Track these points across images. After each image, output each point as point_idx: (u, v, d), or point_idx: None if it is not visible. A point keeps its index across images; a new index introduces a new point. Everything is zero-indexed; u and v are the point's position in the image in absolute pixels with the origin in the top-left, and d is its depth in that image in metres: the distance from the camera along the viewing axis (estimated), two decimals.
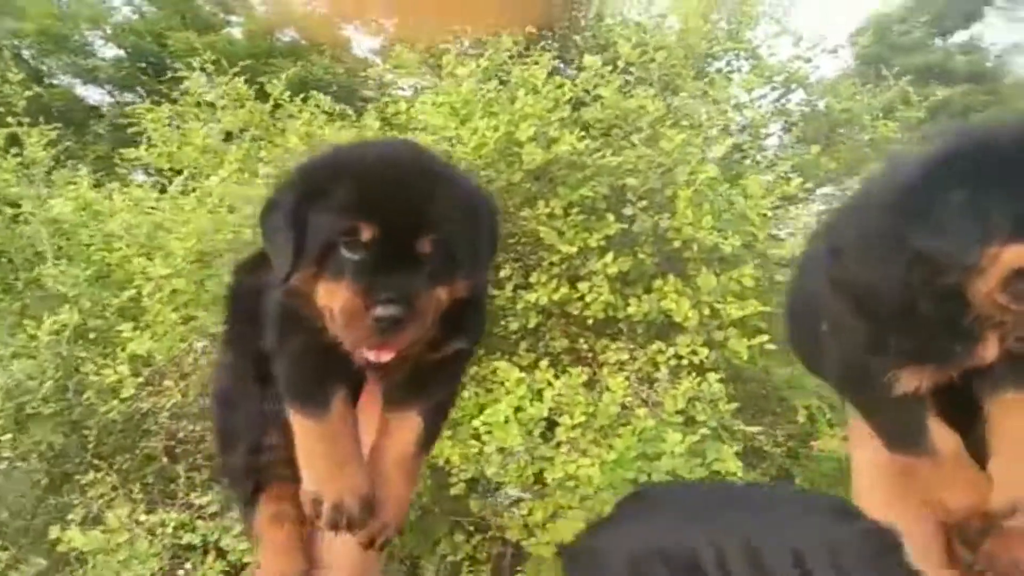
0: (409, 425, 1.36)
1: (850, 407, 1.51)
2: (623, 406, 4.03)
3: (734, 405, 3.89)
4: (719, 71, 7.10)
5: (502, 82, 5.19)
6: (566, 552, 1.03)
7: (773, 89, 7.09)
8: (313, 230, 1.21)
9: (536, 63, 5.18)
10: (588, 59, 5.04)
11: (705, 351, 4.11)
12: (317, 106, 5.99)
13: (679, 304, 4.20)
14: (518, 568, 5.01)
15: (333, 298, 1.20)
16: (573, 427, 3.89)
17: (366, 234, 1.16)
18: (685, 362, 4.12)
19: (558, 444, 3.92)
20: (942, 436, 1.33)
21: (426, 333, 1.24)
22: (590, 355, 4.53)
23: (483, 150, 4.23)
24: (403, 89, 8.35)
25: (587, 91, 5.02)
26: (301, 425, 1.28)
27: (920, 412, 1.33)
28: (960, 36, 22.34)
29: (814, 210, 6.91)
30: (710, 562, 0.74)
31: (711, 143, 4.63)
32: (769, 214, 4.47)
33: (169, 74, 7.02)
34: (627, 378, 4.07)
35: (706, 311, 4.32)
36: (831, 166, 6.82)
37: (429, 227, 1.20)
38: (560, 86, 4.92)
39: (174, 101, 6.19)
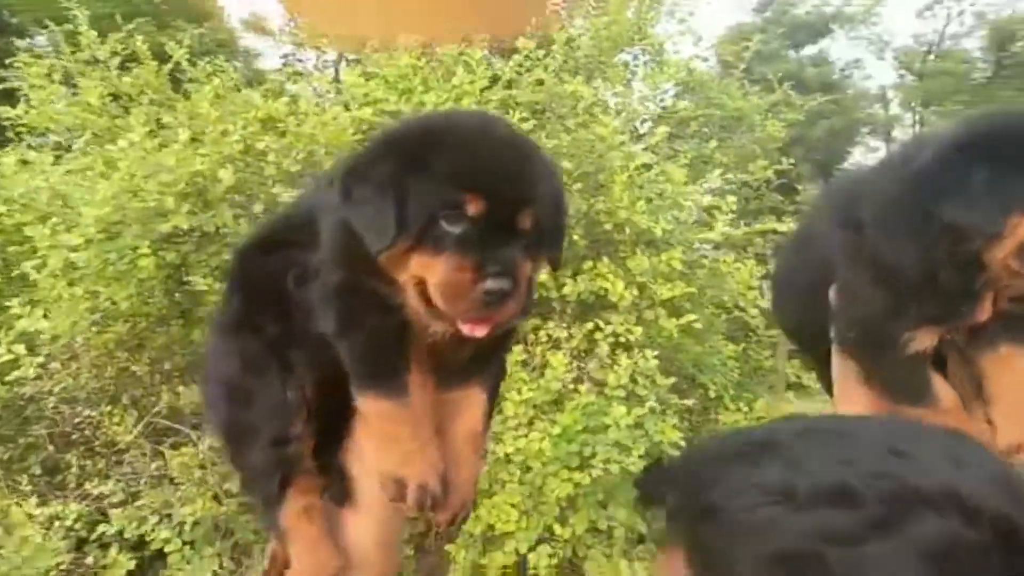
0: (475, 401, 1.35)
1: (837, 371, 1.64)
2: (563, 383, 4.13)
3: (671, 380, 4.11)
4: (625, 65, 7.37)
5: (431, 59, 5.13)
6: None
7: (676, 85, 7.50)
8: (413, 203, 1.16)
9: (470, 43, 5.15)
10: (522, 41, 5.09)
11: (639, 330, 4.29)
12: (221, 71, 5.65)
13: (614, 284, 4.36)
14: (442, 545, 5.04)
15: (430, 271, 1.16)
16: (520, 403, 3.95)
17: (472, 208, 1.13)
18: (622, 340, 4.28)
19: (505, 420, 3.96)
20: (944, 389, 1.50)
21: (520, 308, 1.23)
22: (526, 335, 4.60)
23: None
24: (303, 60, 8.02)
25: (519, 73, 5.06)
26: (378, 407, 1.24)
27: (925, 369, 1.49)
28: (810, 50, 24.37)
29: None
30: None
31: (639, 132, 4.80)
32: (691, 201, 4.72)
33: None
34: (566, 355, 4.17)
35: (635, 291, 4.52)
36: (724, 160, 7.31)
37: (530, 202, 1.19)
38: (490, 65, 4.95)
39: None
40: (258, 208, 4.67)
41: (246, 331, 1.41)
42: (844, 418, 0.88)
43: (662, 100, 6.87)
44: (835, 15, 24.59)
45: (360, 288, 1.24)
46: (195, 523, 4.33)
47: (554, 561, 4.10)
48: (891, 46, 24.59)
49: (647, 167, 4.62)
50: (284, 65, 7.17)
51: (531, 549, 4.15)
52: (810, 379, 6.54)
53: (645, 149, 5.06)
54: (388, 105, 4.31)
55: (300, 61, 7.98)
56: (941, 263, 1.38)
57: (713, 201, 4.99)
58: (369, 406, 1.24)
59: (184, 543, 4.27)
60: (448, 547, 4.78)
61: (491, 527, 4.54)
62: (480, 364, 1.35)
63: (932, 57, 23.68)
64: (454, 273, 1.14)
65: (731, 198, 4.92)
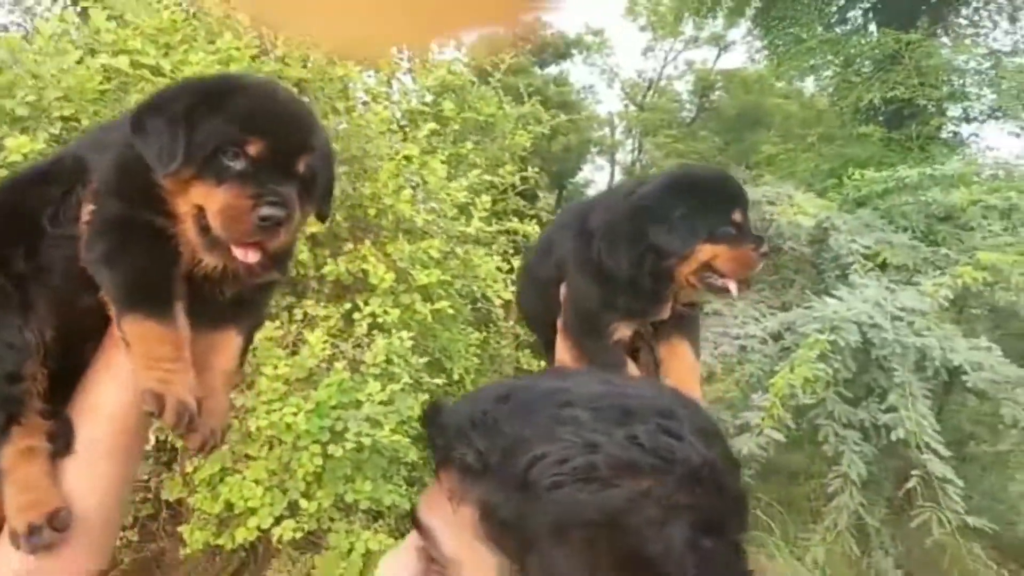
0: (231, 342, 1.46)
1: (559, 353, 2.05)
2: (321, 360, 4.22)
3: (424, 359, 4.39)
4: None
5: (195, 17, 4.87)
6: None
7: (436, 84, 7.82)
8: (201, 136, 1.29)
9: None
10: None
11: (396, 312, 4.52)
12: None
13: (375, 267, 4.54)
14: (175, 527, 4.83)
15: (210, 199, 1.28)
16: (274, 379, 3.95)
17: (253, 148, 1.28)
18: (380, 321, 4.47)
19: (259, 394, 3.94)
20: (633, 368, 1.99)
21: (287, 244, 1.42)
22: (283, 311, 4.59)
23: None
24: None
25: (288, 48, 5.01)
26: (143, 327, 1.29)
27: (622, 352, 1.98)
28: (552, 69, 26.41)
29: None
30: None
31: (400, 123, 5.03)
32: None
33: None
34: (323, 333, 4.26)
35: (392, 275, 4.75)
36: (477, 161, 7.83)
37: (307, 149, 1.36)
38: (259, 35, 4.84)
39: None
40: None
41: None
42: (623, 389, 0.94)
43: (423, 97, 7.14)
44: (576, 41, 26.90)
45: (135, 219, 1.31)
46: None
47: (298, 535, 4.17)
48: (619, 77, 27.54)
49: (409, 159, 4.85)
50: None
51: (276, 523, 4.17)
52: (537, 367, 7.32)
53: (407, 141, 5.28)
54: (146, 58, 4.02)
55: None
56: (643, 272, 1.87)
57: (468, 198, 5.39)
58: (133, 328, 1.28)
59: None
60: (181, 528, 4.60)
61: (230, 506, 4.47)
62: (238, 308, 1.46)
63: (651, 92, 27.00)
64: (234, 199, 1.26)
65: (485, 197, 5.37)
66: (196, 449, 1.36)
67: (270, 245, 1.33)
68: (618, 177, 26.64)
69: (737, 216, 1.86)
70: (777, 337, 7.29)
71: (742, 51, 26.03)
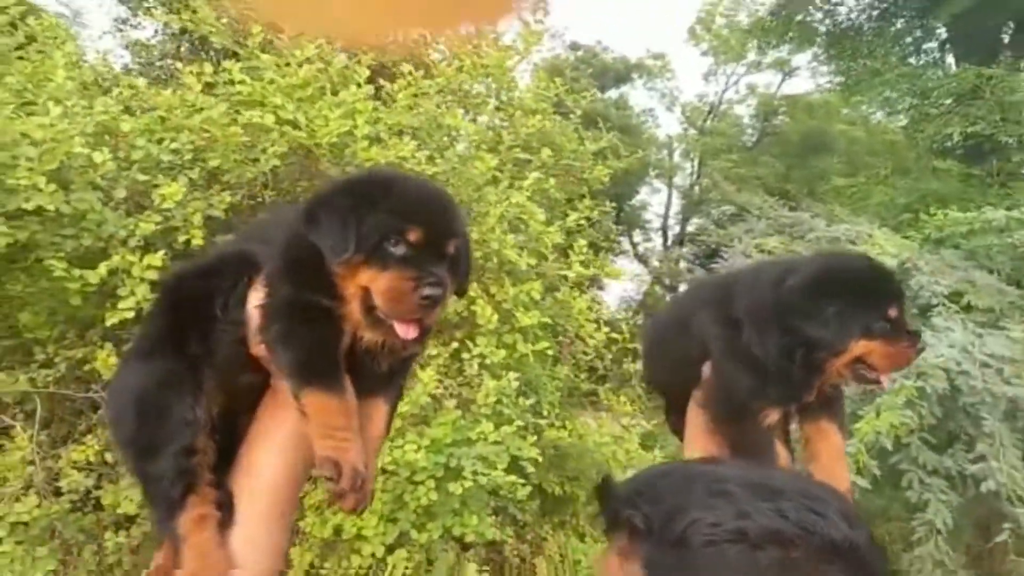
0: (383, 411, 1.59)
1: (692, 422, 2.14)
2: (432, 397, 4.43)
3: (532, 400, 4.58)
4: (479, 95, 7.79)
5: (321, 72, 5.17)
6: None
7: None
8: (367, 228, 1.46)
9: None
10: (406, 66, 5.32)
11: (502, 352, 4.72)
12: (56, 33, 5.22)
13: (483, 308, 4.75)
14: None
15: (376, 281, 1.44)
16: (397, 416, 4.17)
17: (413, 235, 1.45)
18: (486, 361, 4.67)
19: None
20: (782, 453, 2.07)
21: (440, 316, 1.59)
22: None
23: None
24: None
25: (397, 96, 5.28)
26: (321, 400, 1.42)
27: (771, 437, 2.02)
28: (612, 93, 26.57)
29: None
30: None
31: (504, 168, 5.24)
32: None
33: None
34: (436, 371, 4.48)
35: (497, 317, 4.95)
36: (557, 196, 7.99)
37: (456, 234, 1.54)
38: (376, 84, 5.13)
39: None
40: (119, 194, 4.43)
41: (168, 349, 1.55)
42: (770, 473, 1.11)
43: (517, 141, 7.32)
44: (636, 65, 27.00)
45: (306, 301, 1.47)
46: (25, 523, 4.00)
47: (410, 564, 4.37)
48: (679, 101, 27.53)
49: (519, 205, 5.07)
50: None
51: (388, 552, 4.39)
52: (616, 401, 7.43)
53: (512, 187, 5.50)
54: (285, 112, 4.32)
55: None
56: (794, 363, 1.90)
57: (567, 241, 5.59)
58: (313, 400, 1.42)
59: (16, 543, 3.93)
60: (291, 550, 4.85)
61: (338, 531, 4.70)
62: (387, 380, 1.59)
63: (712, 116, 26.90)
64: (399, 281, 1.42)
65: (582, 241, 5.56)
66: (351, 510, 1.45)
67: (428, 321, 1.50)
68: (676, 201, 26.66)
69: (893, 312, 1.88)
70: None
71: (806, 76, 25.82)
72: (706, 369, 2.07)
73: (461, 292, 1.64)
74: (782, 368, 1.89)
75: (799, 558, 0.90)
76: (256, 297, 1.50)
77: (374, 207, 1.48)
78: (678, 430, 2.29)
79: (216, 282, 1.55)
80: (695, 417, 2.13)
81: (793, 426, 2.16)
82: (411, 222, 1.46)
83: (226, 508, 1.46)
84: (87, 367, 4.52)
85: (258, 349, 1.50)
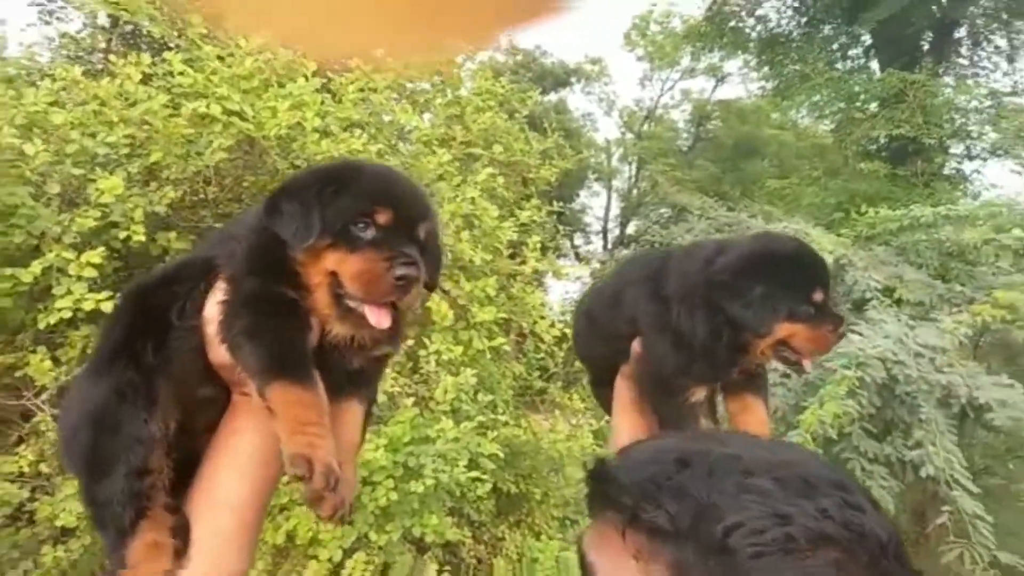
0: (357, 413, 1.51)
1: (618, 397, 2.15)
2: (389, 395, 4.34)
3: (490, 397, 4.53)
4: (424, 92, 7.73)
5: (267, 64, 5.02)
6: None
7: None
8: (333, 212, 1.41)
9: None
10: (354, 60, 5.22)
11: (459, 349, 4.66)
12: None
13: (439, 305, 4.68)
14: None
15: (345, 265, 1.38)
16: None
17: (382, 217, 1.40)
18: (443, 358, 4.61)
19: None
20: (704, 424, 2.09)
21: (415, 304, 1.54)
22: None
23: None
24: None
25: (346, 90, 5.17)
26: (290, 394, 1.33)
27: (696, 412, 2.02)
28: (551, 97, 26.77)
29: None
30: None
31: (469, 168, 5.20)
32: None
33: None
34: (392, 369, 4.39)
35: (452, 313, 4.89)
36: (505, 195, 8.00)
37: (426, 217, 1.50)
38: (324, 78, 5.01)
39: None
40: (53, 189, 4.19)
41: (123, 359, 1.44)
42: (787, 455, 1.03)
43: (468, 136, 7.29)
44: (576, 69, 27.31)
45: (271, 293, 1.40)
46: None
47: (369, 568, 4.26)
48: (617, 105, 27.98)
49: (472, 200, 5.02)
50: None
51: (346, 556, 4.26)
52: (568, 399, 7.46)
53: (464, 184, 5.45)
54: (231, 103, 4.17)
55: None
56: (719, 343, 1.92)
57: (520, 237, 5.57)
58: (281, 394, 1.32)
59: None
60: None
61: (290, 537, 4.55)
62: (360, 380, 1.51)
63: (649, 121, 27.43)
64: (371, 263, 1.37)
65: (535, 237, 5.55)
66: (328, 516, 1.35)
67: (403, 303, 1.44)
68: (615, 204, 27.05)
69: (818, 296, 1.89)
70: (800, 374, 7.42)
71: (737, 82, 26.58)
72: (635, 345, 2.07)
73: (431, 285, 1.56)
74: (708, 347, 1.90)
75: (850, 562, 0.85)
76: (215, 299, 1.41)
77: (340, 191, 1.42)
78: (604, 401, 2.30)
79: (176, 289, 1.46)
80: (623, 390, 2.14)
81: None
82: (380, 203, 1.41)
83: (181, 534, 1.34)
84: (18, 373, 4.25)
85: (217, 355, 1.39)
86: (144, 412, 1.37)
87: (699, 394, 1.98)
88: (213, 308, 1.40)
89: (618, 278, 2.34)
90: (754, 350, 1.91)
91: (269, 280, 1.40)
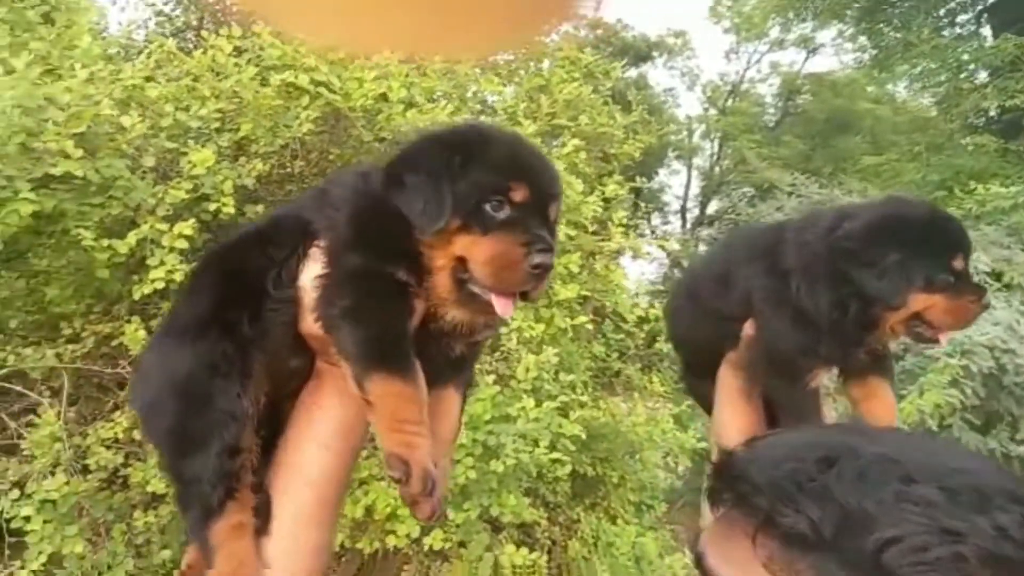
0: (455, 404, 1.43)
1: (724, 386, 1.96)
2: None
3: (571, 377, 4.43)
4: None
5: None
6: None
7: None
8: (464, 188, 1.27)
9: None
10: None
11: (540, 327, 4.56)
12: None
13: None
14: None
15: (477, 249, 1.26)
16: None
17: (518, 195, 1.27)
18: (524, 336, 4.52)
19: None
20: (829, 418, 1.91)
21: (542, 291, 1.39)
22: None
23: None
24: None
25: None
26: (391, 386, 1.23)
27: (819, 400, 1.87)
28: (632, 73, 26.16)
29: None
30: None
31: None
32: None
33: None
34: None
35: None
36: (588, 171, 7.81)
37: (557, 196, 1.36)
38: None
39: None
40: (148, 162, 4.29)
41: (214, 329, 1.36)
42: (957, 463, 0.87)
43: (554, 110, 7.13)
44: (656, 43, 26.57)
45: (379, 273, 1.28)
46: (53, 502, 3.90)
47: (447, 545, 4.26)
48: (700, 80, 27.08)
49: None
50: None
51: (424, 532, 4.27)
52: (648, 383, 7.28)
53: (550, 155, 5.31)
54: (319, 75, 4.15)
55: None
56: (847, 318, 1.73)
57: (607, 213, 5.40)
58: (381, 386, 1.23)
59: (45, 522, 3.83)
60: None
61: (369, 511, 4.58)
62: (458, 368, 1.42)
63: (734, 96, 26.48)
64: (507, 247, 1.24)
65: (621, 212, 5.37)
66: (425, 519, 1.28)
67: (535, 293, 1.31)
68: (695, 182, 26.31)
69: (958, 263, 1.70)
70: (897, 358, 7.05)
71: (830, 54, 25.28)
72: (747, 327, 1.90)
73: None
74: (834, 323, 1.72)
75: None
76: (312, 269, 1.32)
77: (469, 164, 1.29)
78: (701, 394, 2.14)
79: (270, 252, 1.36)
80: (729, 379, 1.97)
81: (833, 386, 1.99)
82: (515, 179, 1.27)
83: (263, 513, 1.31)
84: (115, 342, 4.40)
85: (309, 326, 1.31)
86: (238, 387, 1.32)
87: (822, 377, 1.82)
88: (310, 279, 1.31)
89: (726, 253, 2.18)
90: (884, 325, 1.73)
91: (380, 259, 1.29)
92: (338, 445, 1.35)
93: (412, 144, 1.40)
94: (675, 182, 27.06)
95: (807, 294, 1.75)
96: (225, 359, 1.32)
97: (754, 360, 1.89)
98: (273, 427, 1.39)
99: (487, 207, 1.26)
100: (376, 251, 1.29)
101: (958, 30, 14.21)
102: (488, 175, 1.28)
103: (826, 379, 1.89)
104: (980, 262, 7.91)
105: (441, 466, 1.30)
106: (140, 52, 5.24)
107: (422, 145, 1.37)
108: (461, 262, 1.26)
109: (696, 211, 26.20)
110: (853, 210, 1.82)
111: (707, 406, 2.06)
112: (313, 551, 1.33)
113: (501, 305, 1.26)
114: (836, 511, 0.80)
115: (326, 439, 1.34)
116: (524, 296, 1.31)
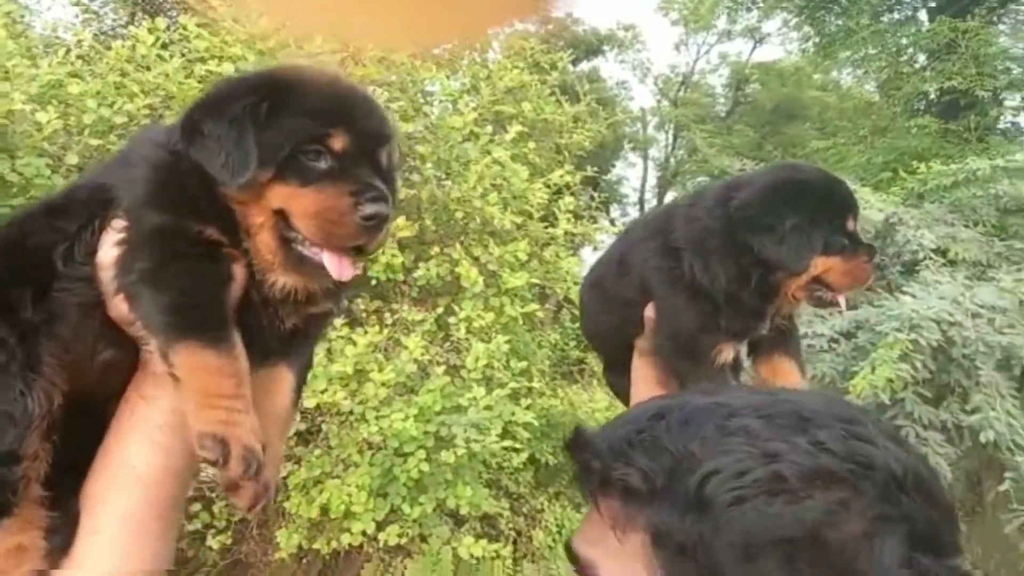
0: (285, 382, 1.27)
1: (638, 375, 1.90)
2: (418, 364, 4.20)
3: (523, 364, 4.37)
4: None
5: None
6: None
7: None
8: (273, 136, 1.13)
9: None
10: None
11: (490, 315, 4.49)
12: None
13: (468, 271, 4.51)
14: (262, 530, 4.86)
15: (298, 202, 1.13)
16: (380, 384, 3.94)
17: (337, 142, 1.14)
18: (474, 325, 4.45)
19: (364, 400, 3.94)
20: None
21: (381, 248, 1.30)
22: (371, 316, 4.58)
23: None
24: None
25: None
26: (199, 358, 1.08)
27: (728, 377, 1.79)
28: (584, 66, 26.26)
29: None
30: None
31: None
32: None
33: None
34: (422, 338, 4.24)
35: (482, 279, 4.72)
36: (537, 161, 7.79)
37: (386, 140, 1.21)
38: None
39: None
40: (71, 160, 4.11)
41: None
42: (788, 396, 0.85)
43: (495, 98, 7.09)
44: (608, 36, 26.73)
45: (182, 230, 1.13)
46: None
47: (403, 540, 4.17)
48: (652, 72, 27.34)
49: (499, 163, 4.82)
50: None
51: (379, 528, 4.17)
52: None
53: (492, 143, 5.25)
54: (246, 64, 4.02)
55: None
56: (746, 288, 1.69)
57: (552, 201, 5.36)
58: (187, 358, 1.07)
59: None
60: (277, 532, 4.63)
61: (324, 511, 4.47)
62: (293, 345, 1.27)
63: (685, 87, 26.78)
64: (332, 199, 1.11)
65: (568, 199, 5.33)
66: (247, 507, 1.13)
67: (372, 247, 1.18)
68: (651, 174, 26.54)
69: (851, 224, 1.70)
70: (849, 336, 7.15)
71: (776, 44, 25.72)
72: (648, 311, 1.83)
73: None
74: (732, 295, 1.69)
75: (856, 501, 0.71)
76: (112, 237, 1.13)
77: (279, 110, 1.13)
78: (620, 391, 2.05)
79: (58, 224, 1.16)
80: (642, 368, 1.89)
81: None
82: (333, 124, 1.13)
83: (61, 533, 1.10)
84: None
85: (117, 308, 1.12)
86: (20, 383, 1.10)
87: (727, 353, 1.75)
88: (109, 250, 1.12)
89: (623, 241, 2.11)
90: (785, 292, 1.70)
91: (179, 215, 1.12)
92: (168, 440, 1.14)
93: (215, 89, 1.23)
94: (632, 175, 27.33)
95: (701, 269, 1.71)
96: (1, 348, 1.11)
97: (659, 345, 1.83)
98: (89, 432, 1.17)
99: (304, 157, 1.12)
100: (179, 208, 1.13)
101: (896, 15, 14.53)
102: (301, 121, 1.13)
103: (737, 356, 1.80)
104: (925, 239, 8.04)
105: (272, 450, 1.16)
106: (68, 51, 5.04)
107: (225, 90, 1.20)
108: (283, 217, 1.13)
109: (654, 202, 26.45)
110: (742, 181, 1.79)
111: (628, 402, 1.97)
112: (140, 555, 1.12)
113: (335, 265, 1.13)
114: (666, 459, 0.78)
115: (153, 433, 1.15)
116: (359, 251, 1.17)
